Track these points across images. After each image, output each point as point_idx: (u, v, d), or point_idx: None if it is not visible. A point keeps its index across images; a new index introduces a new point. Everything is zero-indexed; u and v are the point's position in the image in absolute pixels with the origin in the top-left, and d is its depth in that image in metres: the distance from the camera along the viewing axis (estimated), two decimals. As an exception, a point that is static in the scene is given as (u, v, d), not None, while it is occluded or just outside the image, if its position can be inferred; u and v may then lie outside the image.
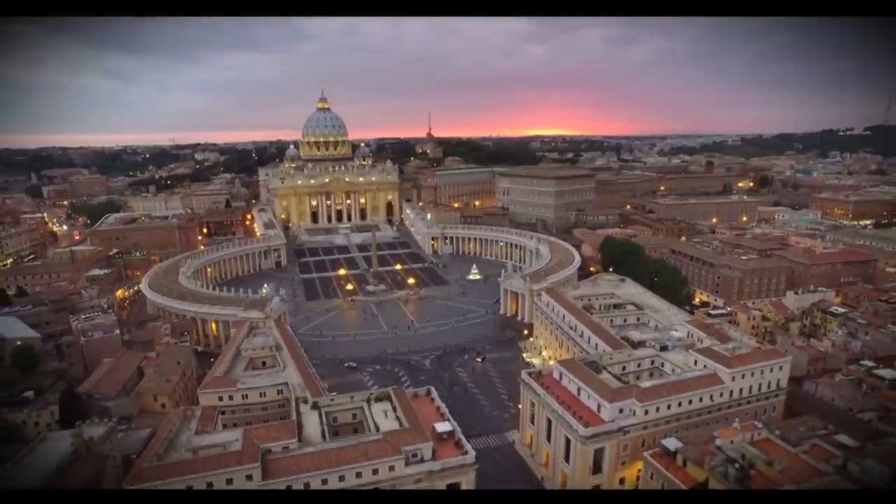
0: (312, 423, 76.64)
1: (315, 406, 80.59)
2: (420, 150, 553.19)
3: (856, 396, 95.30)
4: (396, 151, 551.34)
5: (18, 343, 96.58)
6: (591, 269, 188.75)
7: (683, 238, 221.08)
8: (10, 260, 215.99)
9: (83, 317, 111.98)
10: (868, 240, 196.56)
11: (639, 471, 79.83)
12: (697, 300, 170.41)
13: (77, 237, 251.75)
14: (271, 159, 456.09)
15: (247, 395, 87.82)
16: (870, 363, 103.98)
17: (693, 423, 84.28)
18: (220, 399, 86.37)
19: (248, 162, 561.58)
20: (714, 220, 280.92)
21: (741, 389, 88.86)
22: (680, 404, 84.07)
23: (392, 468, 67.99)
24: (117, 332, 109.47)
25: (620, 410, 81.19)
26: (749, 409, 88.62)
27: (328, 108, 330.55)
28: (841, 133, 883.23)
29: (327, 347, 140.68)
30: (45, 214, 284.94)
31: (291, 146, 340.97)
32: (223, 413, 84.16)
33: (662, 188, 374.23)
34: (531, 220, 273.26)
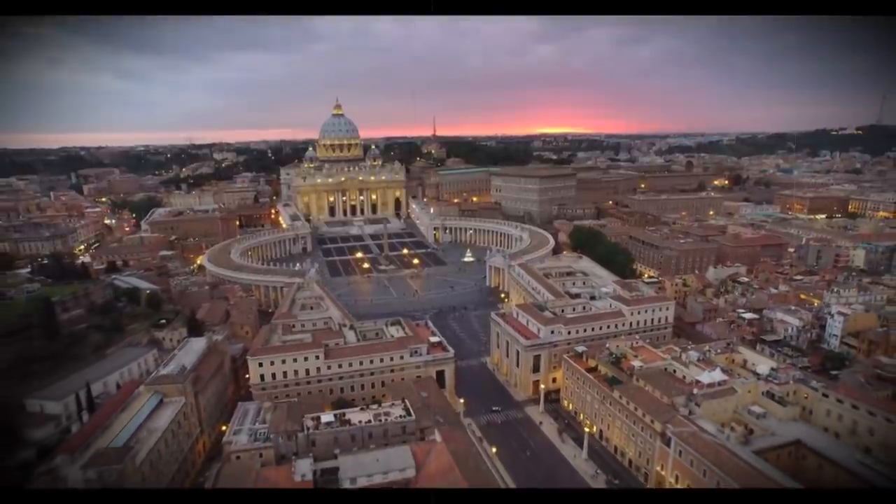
0: (350, 336, 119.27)
1: (351, 327, 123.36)
2: (426, 151, 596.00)
3: (725, 331, 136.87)
4: (403, 151, 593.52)
5: (148, 291, 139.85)
6: (564, 251, 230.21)
7: (647, 228, 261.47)
8: (82, 246, 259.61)
9: (181, 278, 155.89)
10: (793, 228, 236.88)
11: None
12: (646, 276, 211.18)
13: (127, 228, 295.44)
14: (288, 159, 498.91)
15: (304, 325, 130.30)
16: (743, 311, 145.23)
17: (603, 343, 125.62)
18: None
19: (265, 161, 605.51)
20: (683, 213, 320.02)
21: (638, 322, 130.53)
22: (593, 329, 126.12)
23: (402, 357, 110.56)
24: (207, 287, 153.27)
25: (552, 332, 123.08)
26: (644, 336, 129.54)
27: (342, 114, 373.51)
28: (833, 133, 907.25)
29: (350, 308, 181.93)
30: (101, 209, 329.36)
31: (310, 148, 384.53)
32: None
33: (643, 186, 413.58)
34: (519, 213, 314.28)
